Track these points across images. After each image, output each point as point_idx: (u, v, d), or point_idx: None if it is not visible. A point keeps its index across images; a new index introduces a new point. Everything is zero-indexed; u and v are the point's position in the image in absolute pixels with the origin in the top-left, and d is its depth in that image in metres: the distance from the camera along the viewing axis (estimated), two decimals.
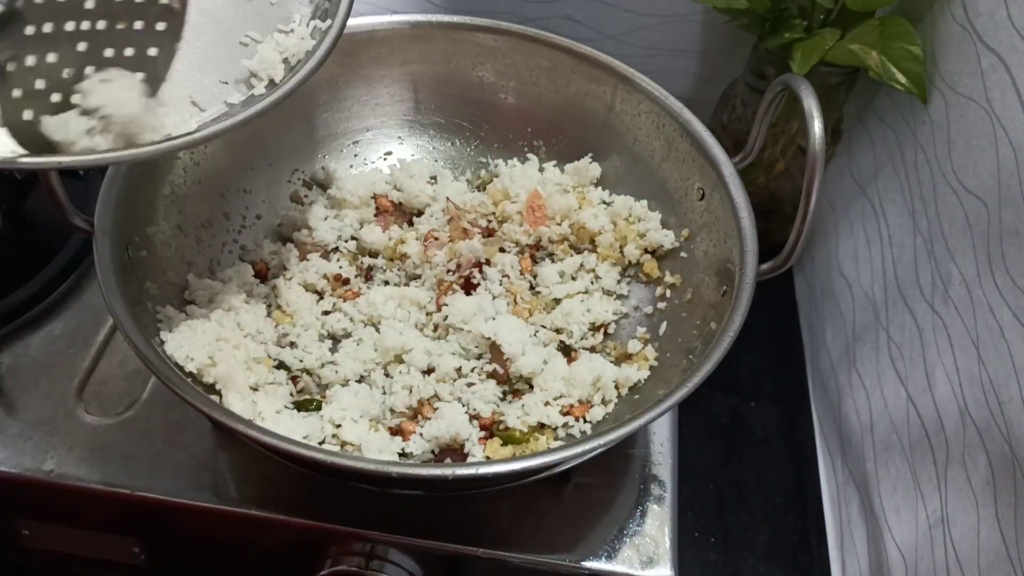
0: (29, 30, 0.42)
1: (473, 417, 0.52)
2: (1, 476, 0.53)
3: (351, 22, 0.63)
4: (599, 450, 0.43)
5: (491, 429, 0.52)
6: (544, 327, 0.57)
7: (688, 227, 0.59)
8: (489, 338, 0.54)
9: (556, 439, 0.52)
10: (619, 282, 0.61)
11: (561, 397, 0.53)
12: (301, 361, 0.54)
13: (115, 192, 0.51)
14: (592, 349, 0.58)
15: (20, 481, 0.53)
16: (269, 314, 0.56)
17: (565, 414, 0.53)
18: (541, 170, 0.66)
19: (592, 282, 0.60)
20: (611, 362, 0.56)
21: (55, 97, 0.41)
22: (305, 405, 0.52)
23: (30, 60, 0.41)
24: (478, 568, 0.53)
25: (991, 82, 0.52)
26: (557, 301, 0.59)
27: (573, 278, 0.61)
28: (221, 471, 0.53)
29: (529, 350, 0.54)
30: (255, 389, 0.52)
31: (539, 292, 0.60)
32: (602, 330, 0.58)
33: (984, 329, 0.49)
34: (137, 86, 0.43)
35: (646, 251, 0.61)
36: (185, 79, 0.45)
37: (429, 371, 0.55)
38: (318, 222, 0.62)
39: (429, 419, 0.51)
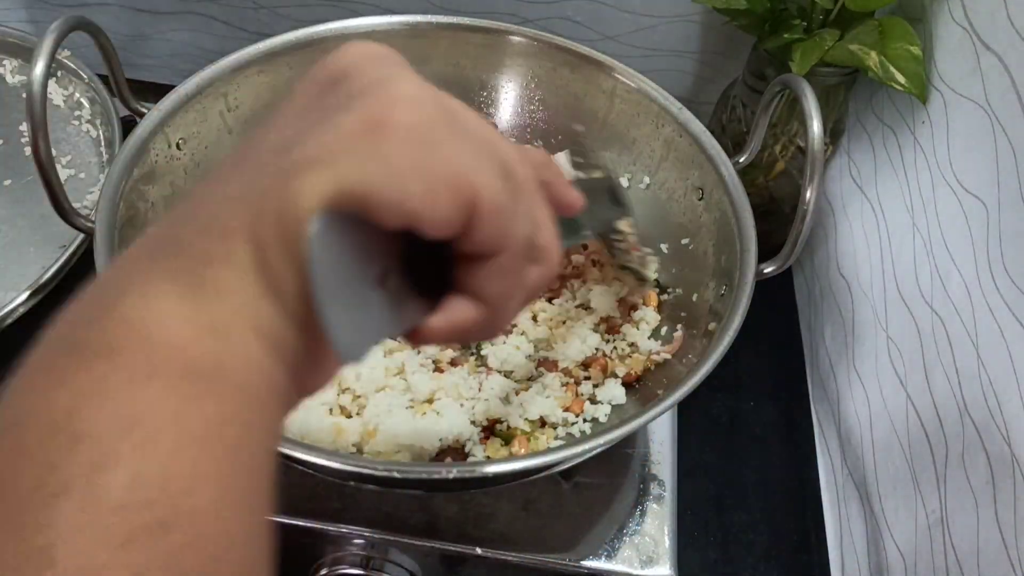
0: None
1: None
2: None
3: (351, 22, 0.64)
4: (599, 449, 0.43)
5: (492, 428, 0.52)
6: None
7: (688, 227, 0.60)
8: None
9: (556, 438, 0.52)
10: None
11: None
12: None
13: (115, 192, 0.51)
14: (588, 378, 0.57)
15: None
16: None
17: (565, 410, 0.53)
18: None
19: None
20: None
21: None
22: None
23: None
24: (478, 568, 0.53)
25: (990, 82, 0.52)
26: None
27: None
28: None
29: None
30: None
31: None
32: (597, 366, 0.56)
33: (984, 329, 0.49)
34: None
35: None
36: None
37: (439, 369, 0.55)
38: None
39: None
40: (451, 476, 0.41)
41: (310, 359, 0.25)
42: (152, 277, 0.23)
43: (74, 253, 0.58)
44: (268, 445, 0.23)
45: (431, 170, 0.24)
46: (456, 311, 0.27)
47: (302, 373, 0.25)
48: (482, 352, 0.56)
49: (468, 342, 0.31)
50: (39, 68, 0.46)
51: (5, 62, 0.75)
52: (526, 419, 0.51)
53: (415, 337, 0.28)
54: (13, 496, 0.18)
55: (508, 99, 0.68)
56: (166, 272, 0.23)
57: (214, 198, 0.25)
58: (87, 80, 0.70)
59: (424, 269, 0.28)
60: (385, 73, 0.27)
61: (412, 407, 0.51)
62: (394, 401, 0.51)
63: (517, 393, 0.53)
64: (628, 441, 0.58)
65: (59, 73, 0.72)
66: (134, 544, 0.18)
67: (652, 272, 0.59)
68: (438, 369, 0.55)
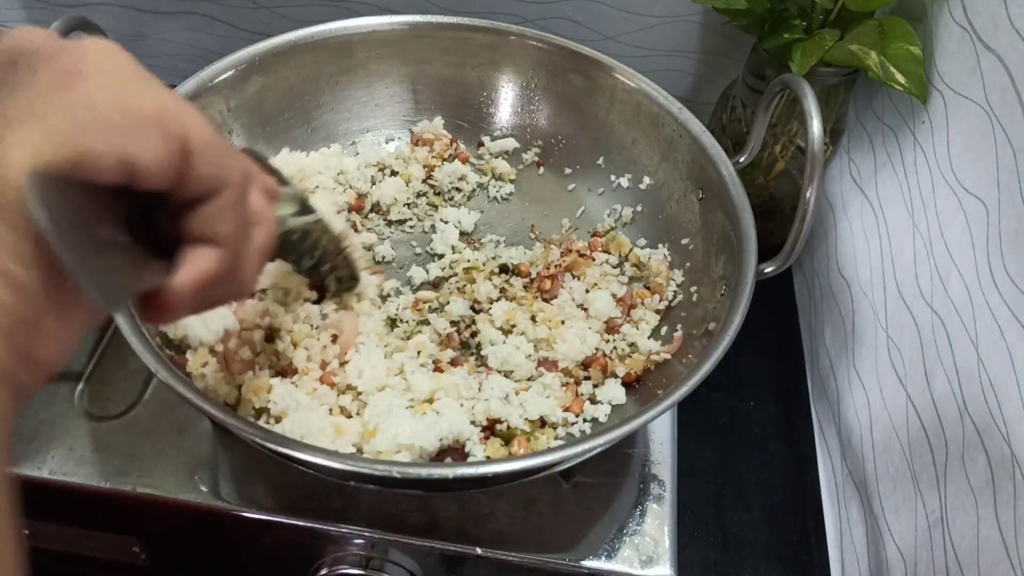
0: None
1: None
2: None
3: (351, 22, 0.64)
4: (599, 449, 0.43)
5: (492, 428, 0.52)
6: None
7: (688, 227, 0.60)
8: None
9: (556, 438, 0.52)
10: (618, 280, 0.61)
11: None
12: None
13: None
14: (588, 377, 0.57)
15: (20, 481, 0.53)
16: None
17: (565, 410, 0.53)
18: None
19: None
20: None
21: None
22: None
23: None
24: (478, 568, 0.53)
25: (990, 82, 0.52)
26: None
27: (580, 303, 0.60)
28: (221, 471, 0.53)
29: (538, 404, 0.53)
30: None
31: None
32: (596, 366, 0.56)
33: (984, 329, 0.49)
34: None
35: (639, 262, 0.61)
36: None
37: (439, 369, 0.55)
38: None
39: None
40: (450, 476, 0.40)
41: (40, 327, 0.24)
42: None
43: None
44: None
45: (137, 110, 0.24)
46: (196, 260, 0.27)
47: (33, 344, 0.24)
48: (482, 352, 0.56)
49: (217, 302, 0.33)
50: None
51: None
52: (526, 419, 0.51)
53: (161, 299, 0.27)
54: None
55: (508, 99, 0.68)
56: None
57: None
58: None
59: (157, 241, 0.27)
60: (64, 42, 0.26)
61: (412, 407, 0.51)
62: (394, 401, 0.51)
63: (517, 393, 0.53)
64: (628, 441, 0.58)
65: None
66: None
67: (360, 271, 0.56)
68: (438, 369, 0.55)
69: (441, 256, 0.62)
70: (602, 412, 0.53)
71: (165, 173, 0.24)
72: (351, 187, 0.65)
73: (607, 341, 0.57)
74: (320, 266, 0.51)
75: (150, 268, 0.27)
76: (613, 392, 0.54)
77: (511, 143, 0.68)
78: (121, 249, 0.25)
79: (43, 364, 0.25)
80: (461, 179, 0.67)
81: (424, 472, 0.41)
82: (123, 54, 0.26)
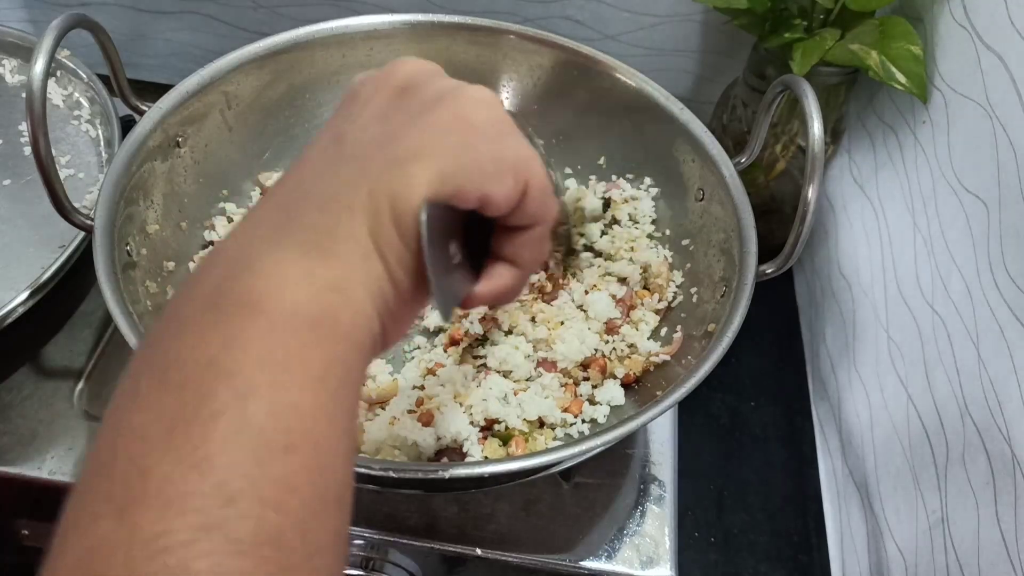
0: None
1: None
2: (1, 476, 0.53)
3: (351, 21, 0.63)
4: (597, 450, 0.43)
5: (490, 428, 0.52)
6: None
7: (688, 227, 0.59)
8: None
9: (555, 439, 0.52)
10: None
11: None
12: None
13: (115, 190, 0.51)
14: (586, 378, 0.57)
15: (20, 481, 0.53)
16: None
17: (564, 411, 0.53)
18: None
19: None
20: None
21: None
22: None
23: None
24: (478, 568, 0.53)
25: (991, 82, 0.52)
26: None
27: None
28: None
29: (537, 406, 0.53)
30: None
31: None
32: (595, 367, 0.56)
33: (984, 329, 0.49)
34: None
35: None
36: None
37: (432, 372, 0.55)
38: None
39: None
40: (447, 476, 0.40)
41: (397, 316, 0.30)
42: (281, 247, 0.27)
43: (73, 253, 0.58)
44: (359, 384, 0.28)
45: (504, 159, 0.30)
46: (499, 277, 0.33)
47: (389, 327, 0.30)
48: (481, 352, 0.56)
49: (498, 305, 0.40)
50: (40, 64, 0.46)
51: (4, 61, 0.75)
52: (524, 419, 0.51)
53: (466, 303, 0.33)
54: (177, 419, 0.23)
55: (508, 99, 0.68)
56: (293, 243, 0.27)
57: (326, 181, 0.30)
58: (86, 80, 0.70)
59: (468, 244, 0.32)
60: (449, 82, 0.32)
61: (411, 406, 0.51)
62: (393, 400, 0.51)
63: (516, 393, 0.53)
64: (628, 442, 0.57)
65: (58, 73, 0.72)
66: (272, 461, 0.23)
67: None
68: (438, 366, 0.54)
69: None
70: (601, 413, 0.53)
71: (507, 207, 0.31)
72: None
73: (606, 342, 0.57)
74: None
75: (467, 279, 0.33)
76: (612, 393, 0.54)
77: None
78: (456, 266, 0.31)
79: (387, 344, 0.31)
80: None
81: (420, 472, 0.41)
82: (500, 107, 0.32)
